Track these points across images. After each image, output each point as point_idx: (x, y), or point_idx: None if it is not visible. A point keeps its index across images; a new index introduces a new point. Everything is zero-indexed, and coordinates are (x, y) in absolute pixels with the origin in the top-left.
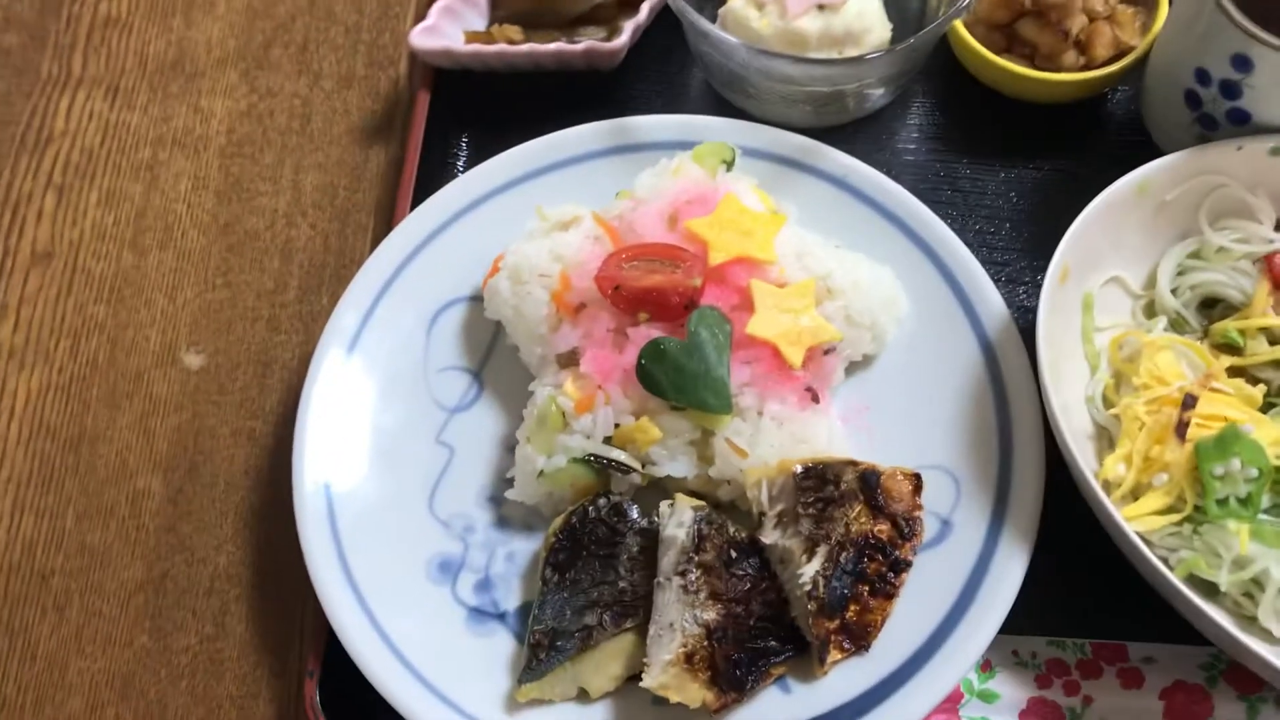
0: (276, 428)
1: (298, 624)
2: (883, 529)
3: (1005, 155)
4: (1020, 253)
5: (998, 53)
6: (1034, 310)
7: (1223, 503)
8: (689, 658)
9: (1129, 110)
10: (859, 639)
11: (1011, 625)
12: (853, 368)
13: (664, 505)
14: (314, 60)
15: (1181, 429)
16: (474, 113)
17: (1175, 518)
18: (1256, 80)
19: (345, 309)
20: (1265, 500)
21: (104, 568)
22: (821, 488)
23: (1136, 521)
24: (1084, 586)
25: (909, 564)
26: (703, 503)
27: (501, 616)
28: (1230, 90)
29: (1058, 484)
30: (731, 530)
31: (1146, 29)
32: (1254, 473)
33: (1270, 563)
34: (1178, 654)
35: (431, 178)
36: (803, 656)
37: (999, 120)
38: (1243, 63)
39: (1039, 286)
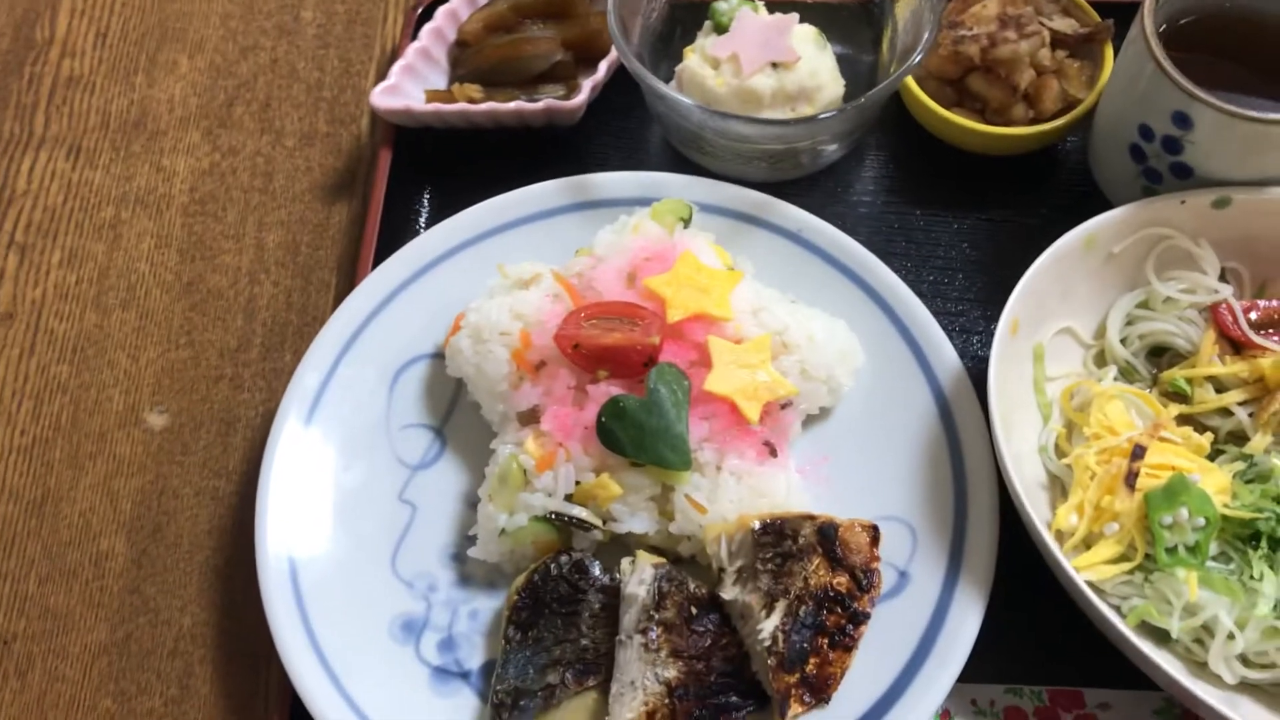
0: (240, 486)
1: (262, 683)
2: (841, 581)
3: (957, 206)
4: (973, 302)
5: (948, 106)
6: (987, 359)
7: (1172, 551)
8: (650, 716)
9: (1078, 161)
10: (819, 692)
11: (969, 673)
12: (810, 420)
13: (625, 562)
14: (276, 118)
15: (1131, 479)
16: (435, 169)
17: (1127, 566)
18: (1197, 136)
19: (307, 369)
20: (1213, 548)
21: (67, 632)
22: (780, 543)
23: (1089, 570)
24: (1040, 634)
25: (867, 616)
26: (663, 560)
27: (465, 675)
28: (1172, 145)
29: (1013, 532)
30: (692, 587)
31: (1093, 82)
32: (1201, 521)
33: (1219, 609)
34: (1133, 699)
35: (394, 234)
36: (764, 711)
37: (951, 172)
38: (1183, 120)
39: (992, 335)
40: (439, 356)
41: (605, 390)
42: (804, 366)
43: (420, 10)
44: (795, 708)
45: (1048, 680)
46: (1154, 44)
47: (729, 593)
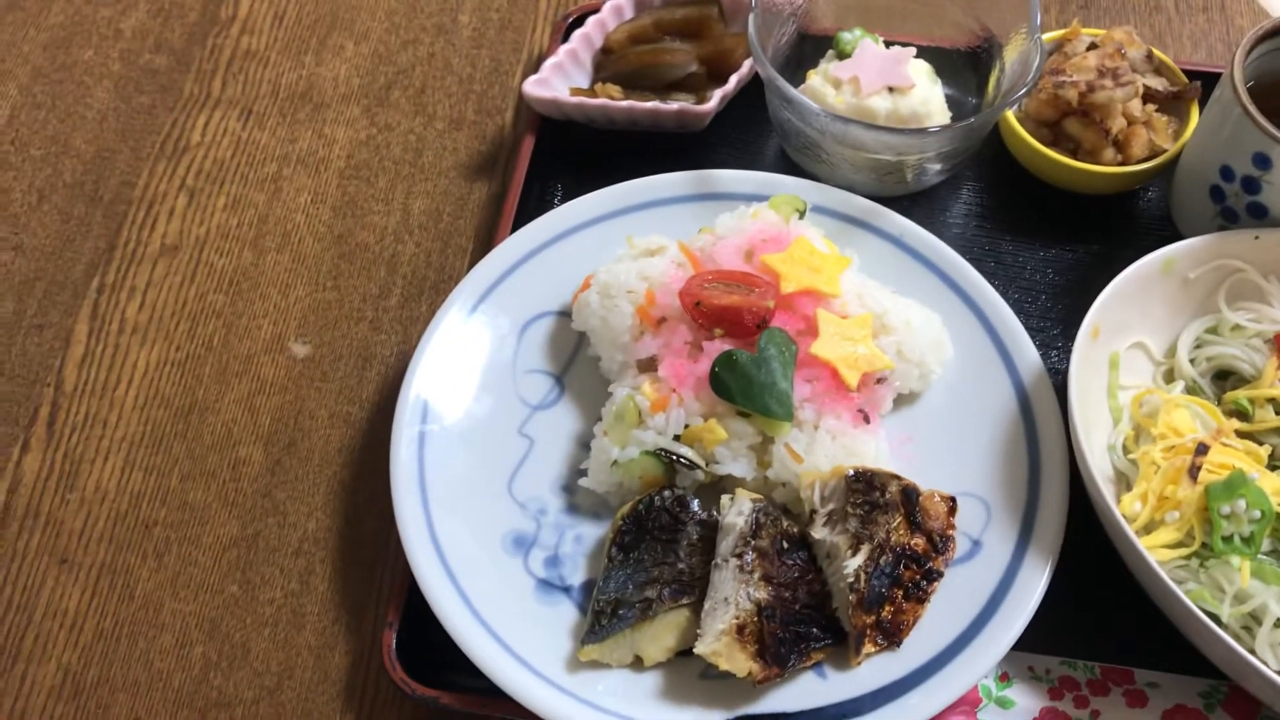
0: (371, 414)
1: (375, 588)
2: (919, 542)
3: (1044, 236)
4: (1053, 321)
5: (1044, 145)
6: (1064, 371)
7: (1228, 540)
8: (740, 629)
9: (1159, 208)
10: (892, 636)
11: (1029, 644)
12: (900, 401)
13: (725, 498)
14: (429, 103)
15: (1194, 471)
16: (571, 159)
17: (1184, 552)
18: (1274, 177)
19: (449, 309)
20: (1266, 544)
21: (202, 523)
22: (869, 492)
23: (1150, 553)
24: (1097, 615)
25: (941, 574)
26: (761, 496)
27: (567, 590)
28: (1251, 185)
29: (1078, 521)
30: (785, 524)
31: (1178, 135)
32: (1257, 514)
33: (1269, 598)
34: (1180, 682)
35: (528, 211)
36: (839, 647)
37: (1041, 205)
38: (1263, 160)
39: (1068, 351)
40: (564, 314)
41: (719, 346)
42: (900, 348)
43: (570, 20)
44: (869, 647)
45: (1101, 658)
46: (1241, 90)
47: (819, 532)
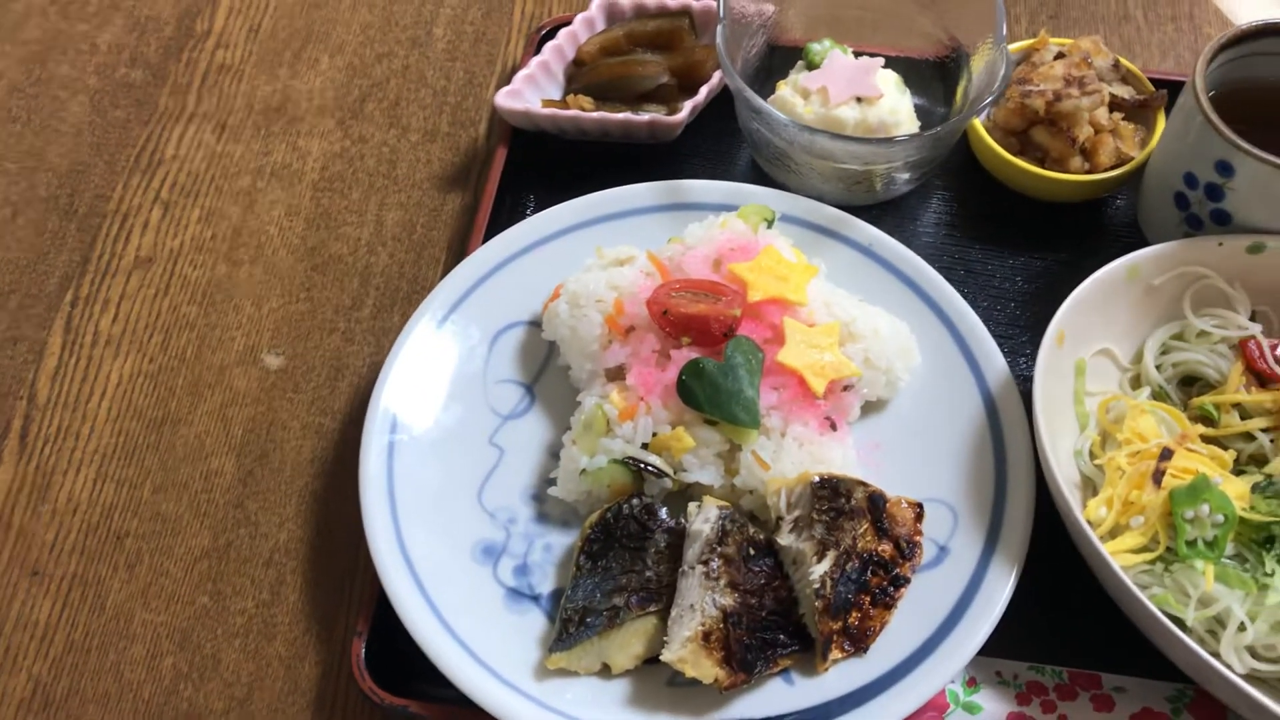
0: (343, 424)
1: (346, 598)
2: (886, 548)
3: (1013, 245)
4: (1022, 329)
5: (1012, 154)
6: (1032, 378)
7: (1191, 544)
8: (706, 636)
9: (1126, 215)
10: (858, 642)
11: (996, 649)
12: (868, 408)
13: (692, 505)
14: (403, 116)
15: (1158, 476)
16: (543, 170)
17: (1149, 556)
18: (1237, 184)
19: (419, 320)
20: (1230, 548)
21: (174, 534)
22: (835, 498)
23: (1115, 558)
24: (1065, 621)
25: (907, 580)
26: (727, 503)
27: (536, 598)
28: (1214, 193)
29: (1045, 527)
30: (751, 531)
31: (1145, 143)
32: (1220, 519)
33: (1233, 602)
34: (1147, 686)
35: (501, 222)
36: (806, 654)
37: (1010, 214)
38: (1225, 168)
39: (1036, 359)
40: (534, 324)
41: (686, 354)
42: (867, 355)
43: (543, 32)
44: (836, 653)
45: (1069, 663)
46: (1203, 98)
47: (785, 539)
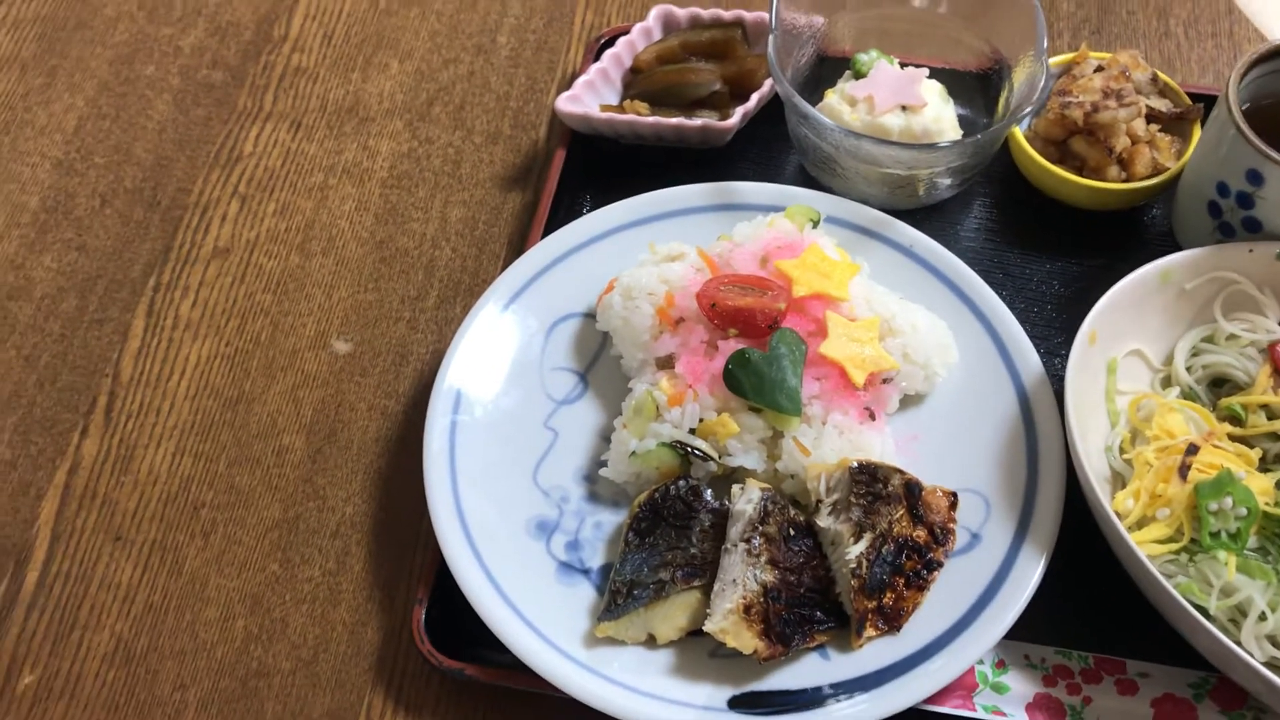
0: (407, 407)
1: (407, 569)
2: (920, 533)
3: (1050, 250)
4: (1057, 330)
5: (1051, 163)
6: (1064, 377)
7: (1215, 536)
8: (747, 609)
9: (1162, 224)
10: (892, 621)
11: (1025, 633)
12: (906, 401)
13: (735, 488)
14: (468, 118)
15: (1184, 470)
16: (600, 172)
17: (1174, 547)
18: (1267, 192)
19: (481, 308)
20: (1253, 540)
21: (247, 506)
22: (872, 483)
23: (1140, 547)
24: (1093, 608)
25: (940, 564)
26: (769, 486)
27: (586, 572)
28: (1245, 201)
29: (1075, 519)
30: (792, 512)
31: (1180, 155)
32: (1244, 512)
33: (1254, 592)
34: (1170, 673)
35: (559, 220)
36: (842, 631)
37: (1048, 220)
38: (1255, 177)
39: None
40: (589, 316)
41: (733, 345)
42: (906, 350)
43: (602, 40)
44: (870, 630)
45: (1095, 649)
46: (1235, 110)
47: (824, 521)
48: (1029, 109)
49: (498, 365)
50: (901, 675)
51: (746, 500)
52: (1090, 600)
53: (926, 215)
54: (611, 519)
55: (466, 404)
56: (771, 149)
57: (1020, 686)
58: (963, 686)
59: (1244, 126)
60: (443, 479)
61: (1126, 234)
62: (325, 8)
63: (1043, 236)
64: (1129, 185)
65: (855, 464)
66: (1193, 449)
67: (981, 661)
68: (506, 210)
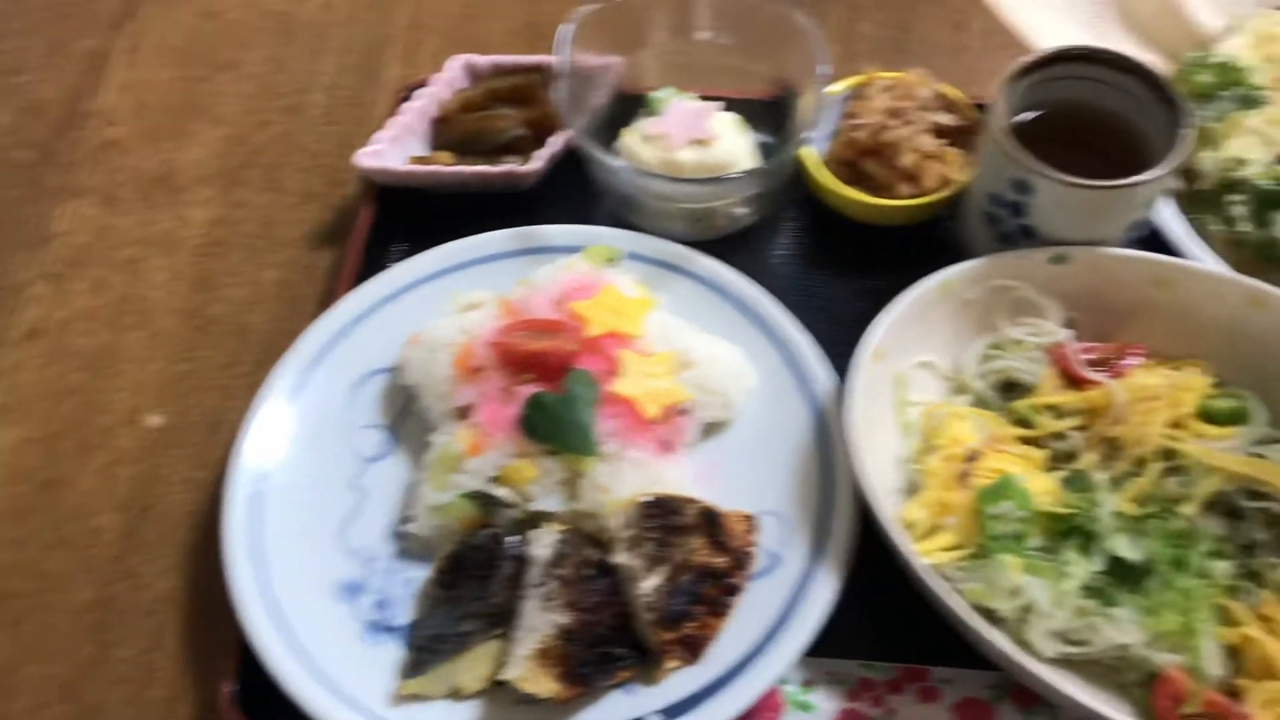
0: (219, 477)
1: (221, 642)
2: (721, 560)
3: (851, 270)
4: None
5: (847, 184)
6: None
7: (997, 539)
8: (543, 654)
9: (956, 237)
10: (693, 649)
11: (829, 650)
12: (711, 430)
13: (531, 533)
14: (281, 179)
15: (965, 478)
16: (409, 223)
17: (961, 553)
18: (1036, 200)
19: (280, 375)
20: (1039, 540)
21: (60, 590)
22: (665, 516)
23: (929, 556)
24: (893, 621)
25: (740, 589)
26: (566, 528)
27: (392, 630)
28: (1018, 210)
29: (873, 534)
30: (587, 552)
31: (970, 168)
32: (1023, 514)
33: (1037, 590)
34: (972, 677)
35: (369, 274)
36: (646, 666)
37: (847, 241)
38: (1023, 186)
39: None
40: (396, 371)
41: (529, 391)
42: (701, 381)
43: (409, 92)
44: (671, 661)
45: (901, 659)
46: (997, 121)
47: (620, 557)
48: (806, 135)
49: (302, 428)
50: (704, 702)
51: (541, 545)
52: (893, 611)
53: (733, 245)
54: (420, 574)
55: (267, 472)
56: (580, 190)
57: (826, 704)
58: (768, 709)
59: (1005, 138)
60: (242, 552)
61: (923, 248)
62: (139, 78)
63: (843, 257)
64: (913, 201)
65: (645, 499)
66: (973, 455)
67: (787, 682)
68: (319, 269)
